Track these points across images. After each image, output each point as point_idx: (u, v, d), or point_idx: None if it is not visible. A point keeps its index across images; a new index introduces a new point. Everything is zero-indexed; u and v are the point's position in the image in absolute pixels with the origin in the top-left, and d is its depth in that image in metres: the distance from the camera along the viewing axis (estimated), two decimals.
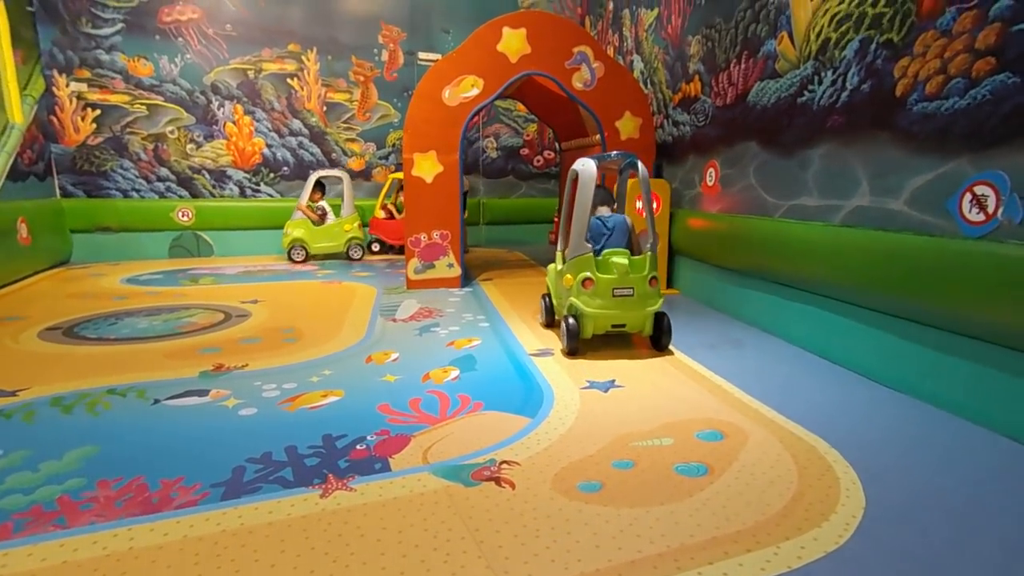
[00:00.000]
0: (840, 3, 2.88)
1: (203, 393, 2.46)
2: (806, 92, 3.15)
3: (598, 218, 3.19)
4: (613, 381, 2.64)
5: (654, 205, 4.28)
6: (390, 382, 2.62)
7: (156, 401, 2.38)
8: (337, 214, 6.58)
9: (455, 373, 2.73)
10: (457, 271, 4.83)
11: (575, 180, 3.18)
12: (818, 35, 3.04)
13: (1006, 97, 2.08)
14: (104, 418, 2.22)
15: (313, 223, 6.36)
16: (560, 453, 1.94)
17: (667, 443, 2.02)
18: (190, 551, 1.41)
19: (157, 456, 1.91)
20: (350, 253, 6.57)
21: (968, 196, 2.22)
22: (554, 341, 3.26)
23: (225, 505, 1.62)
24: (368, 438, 2.04)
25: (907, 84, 2.50)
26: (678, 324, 3.67)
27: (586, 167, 3.04)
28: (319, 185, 6.51)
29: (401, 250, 7.12)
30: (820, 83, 3.03)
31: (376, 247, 7.13)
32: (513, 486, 1.73)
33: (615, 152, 3.39)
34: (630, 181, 3.75)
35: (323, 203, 6.50)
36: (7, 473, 1.79)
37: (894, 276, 2.46)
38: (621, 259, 2.99)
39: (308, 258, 6.37)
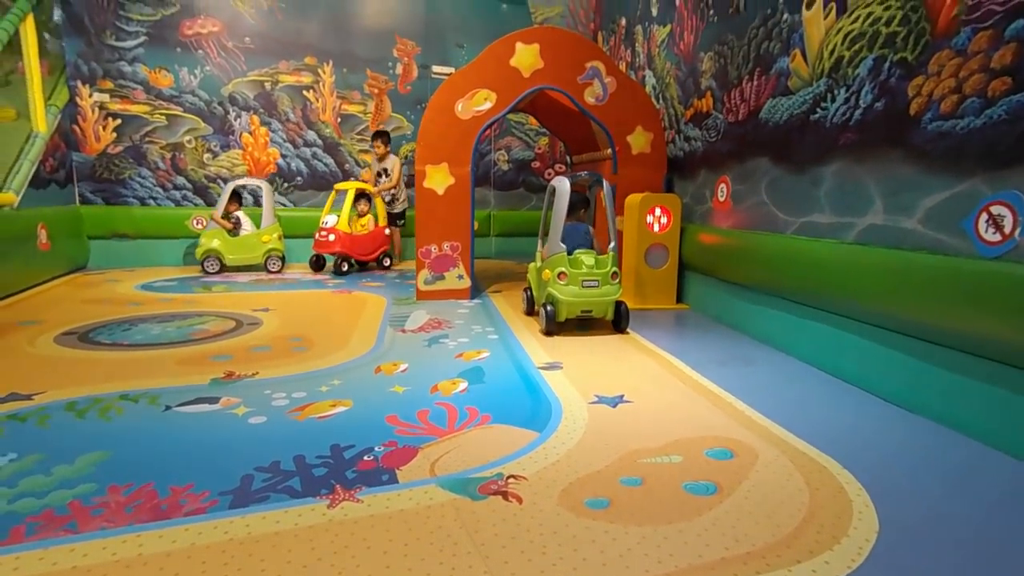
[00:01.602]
0: (854, 22, 2.88)
1: (214, 400, 2.48)
2: (819, 109, 3.14)
3: (568, 225, 3.81)
4: (622, 396, 2.62)
5: (619, 217, 4.73)
6: (398, 393, 2.63)
7: (167, 408, 2.40)
8: (257, 225, 6.40)
9: (463, 385, 2.74)
10: (467, 283, 4.85)
11: (552, 194, 3.84)
12: (831, 53, 3.04)
13: (1022, 117, 2.06)
14: (116, 423, 2.24)
15: (228, 233, 6.21)
16: (568, 468, 1.93)
17: (676, 460, 2.00)
18: (197, 559, 1.42)
19: (167, 463, 1.92)
20: (268, 266, 6.35)
21: (984, 216, 2.20)
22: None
23: (233, 513, 1.62)
24: (376, 449, 2.04)
25: (921, 103, 2.49)
26: (688, 340, 3.68)
27: (562, 184, 3.72)
28: (236, 195, 6.35)
29: (367, 265, 6.60)
30: (833, 101, 3.03)
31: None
32: (520, 501, 1.72)
33: (585, 172, 4.10)
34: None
35: (238, 213, 6.37)
36: (21, 476, 1.81)
37: (908, 295, 2.44)
38: (588, 257, 3.66)
39: (223, 269, 6.22)
